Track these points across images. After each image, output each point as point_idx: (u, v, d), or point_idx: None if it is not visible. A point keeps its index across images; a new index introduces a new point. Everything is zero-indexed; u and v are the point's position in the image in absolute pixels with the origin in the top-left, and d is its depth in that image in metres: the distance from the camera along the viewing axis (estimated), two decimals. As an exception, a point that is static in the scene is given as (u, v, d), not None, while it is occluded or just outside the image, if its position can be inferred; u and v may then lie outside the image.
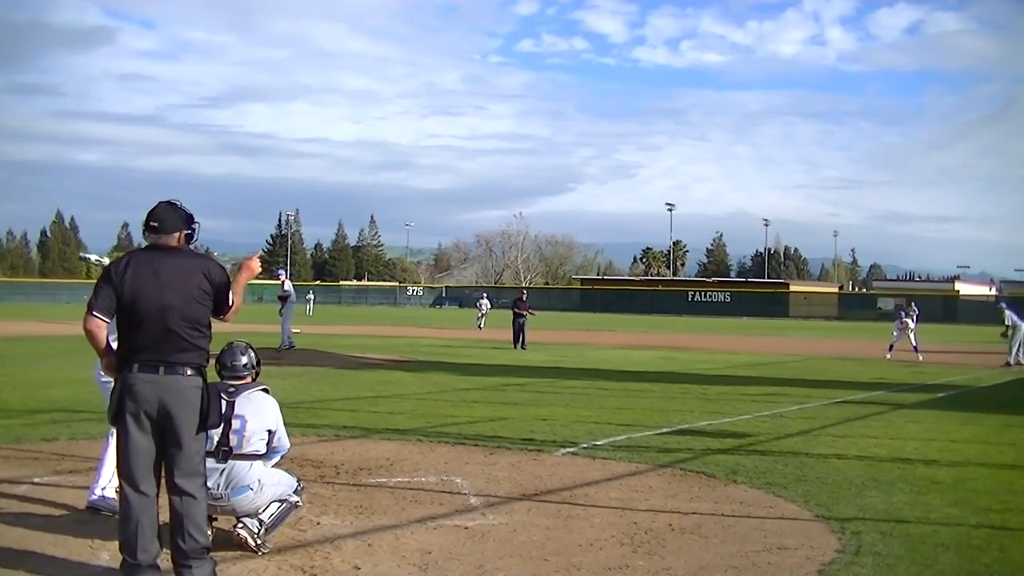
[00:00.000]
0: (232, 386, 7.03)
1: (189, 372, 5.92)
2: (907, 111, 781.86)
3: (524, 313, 33.89)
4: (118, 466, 6.00)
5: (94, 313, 5.99)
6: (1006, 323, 30.59)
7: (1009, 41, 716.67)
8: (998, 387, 22.45)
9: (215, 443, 6.74)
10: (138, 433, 5.85)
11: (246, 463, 6.90)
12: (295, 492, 7.19)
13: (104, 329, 6.01)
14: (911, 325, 32.36)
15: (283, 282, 30.69)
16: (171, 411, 5.84)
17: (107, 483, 7.80)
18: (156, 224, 6.02)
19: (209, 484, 6.66)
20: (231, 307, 6.14)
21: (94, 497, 7.83)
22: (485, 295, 55.80)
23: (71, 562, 6.49)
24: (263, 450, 7.07)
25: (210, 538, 6.78)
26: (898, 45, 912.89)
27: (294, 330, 29.58)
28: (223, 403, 6.79)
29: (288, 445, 7.38)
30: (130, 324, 5.93)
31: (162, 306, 5.85)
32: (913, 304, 36.07)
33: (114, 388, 5.99)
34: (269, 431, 7.07)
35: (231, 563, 6.55)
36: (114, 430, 6.13)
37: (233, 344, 7.24)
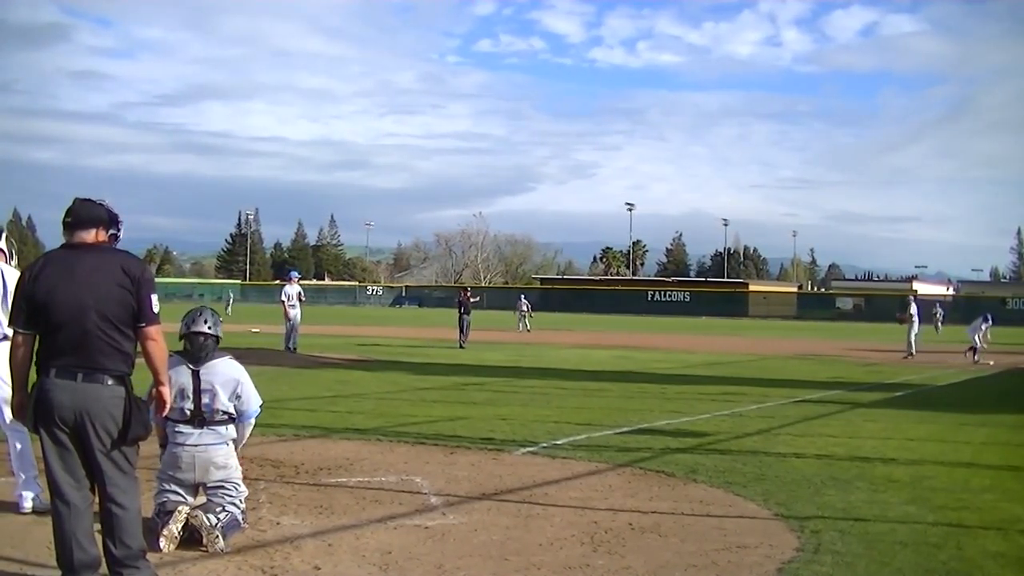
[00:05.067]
0: (199, 356, 7.24)
1: (110, 381, 5.57)
2: (861, 112, 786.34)
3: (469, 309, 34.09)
4: (47, 476, 5.71)
5: (14, 327, 5.74)
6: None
7: (962, 43, 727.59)
8: (954, 386, 22.68)
9: (190, 413, 7.12)
10: (58, 441, 5.56)
11: (221, 443, 7.27)
12: (241, 507, 7.29)
13: (25, 345, 5.65)
14: (982, 328, 32.18)
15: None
16: (88, 422, 5.52)
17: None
18: (70, 220, 5.73)
19: (189, 443, 7.14)
20: (155, 325, 5.73)
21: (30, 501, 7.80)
22: (523, 296, 54.75)
23: (28, 564, 6.38)
24: (235, 413, 7.35)
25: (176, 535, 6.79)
26: (853, 47, 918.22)
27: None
28: (191, 376, 7.12)
29: (257, 406, 7.51)
30: (46, 328, 5.60)
31: (79, 307, 5.52)
32: (988, 317, 33.99)
33: (30, 394, 5.67)
34: (237, 395, 7.32)
35: (191, 563, 6.50)
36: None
37: (200, 308, 7.49)
